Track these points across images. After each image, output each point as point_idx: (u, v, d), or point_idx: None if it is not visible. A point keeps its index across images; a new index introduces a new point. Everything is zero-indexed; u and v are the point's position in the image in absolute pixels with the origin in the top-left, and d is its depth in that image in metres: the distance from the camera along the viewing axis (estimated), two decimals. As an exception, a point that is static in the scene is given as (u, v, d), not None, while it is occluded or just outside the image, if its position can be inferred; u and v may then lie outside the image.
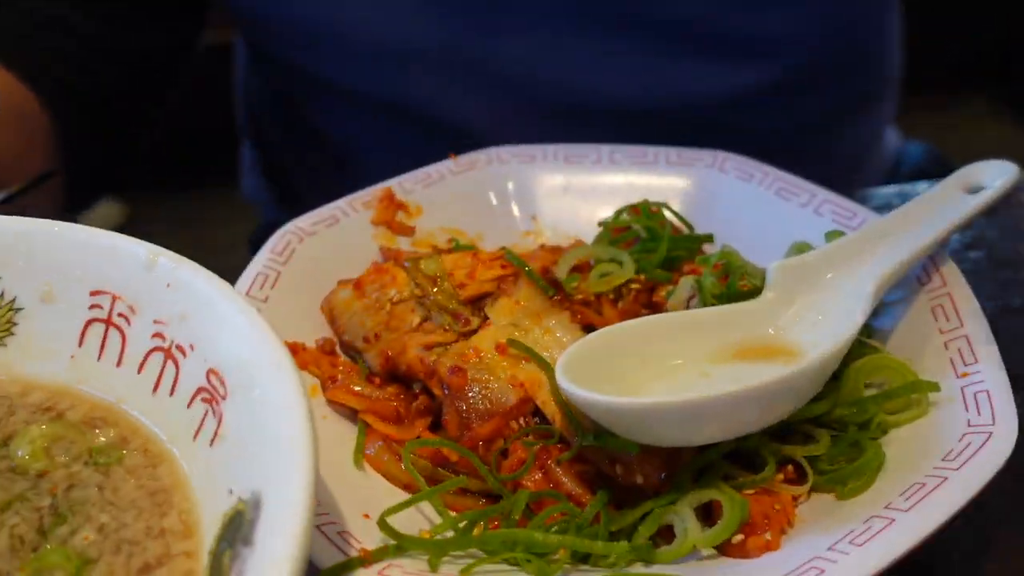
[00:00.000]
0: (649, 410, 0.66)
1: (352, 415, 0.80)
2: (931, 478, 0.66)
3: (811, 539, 0.66)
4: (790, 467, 0.73)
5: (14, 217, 0.66)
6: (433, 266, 0.83)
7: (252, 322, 0.57)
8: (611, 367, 0.72)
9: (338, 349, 0.85)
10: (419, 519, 0.72)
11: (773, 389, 0.68)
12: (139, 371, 0.63)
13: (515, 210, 0.99)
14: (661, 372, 0.73)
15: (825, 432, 0.74)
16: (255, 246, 0.87)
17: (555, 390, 0.73)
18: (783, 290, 0.78)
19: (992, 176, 0.85)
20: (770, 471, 0.71)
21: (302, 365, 0.81)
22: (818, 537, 0.66)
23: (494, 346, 0.76)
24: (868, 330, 0.82)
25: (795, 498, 0.72)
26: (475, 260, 0.85)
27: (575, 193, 1.00)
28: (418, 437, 0.76)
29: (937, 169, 1.56)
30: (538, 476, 0.71)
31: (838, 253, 0.81)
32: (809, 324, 0.77)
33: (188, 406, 0.60)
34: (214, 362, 0.58)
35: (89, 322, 0.65)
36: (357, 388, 0.79)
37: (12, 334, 0.66)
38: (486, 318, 0.79)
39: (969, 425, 0.70)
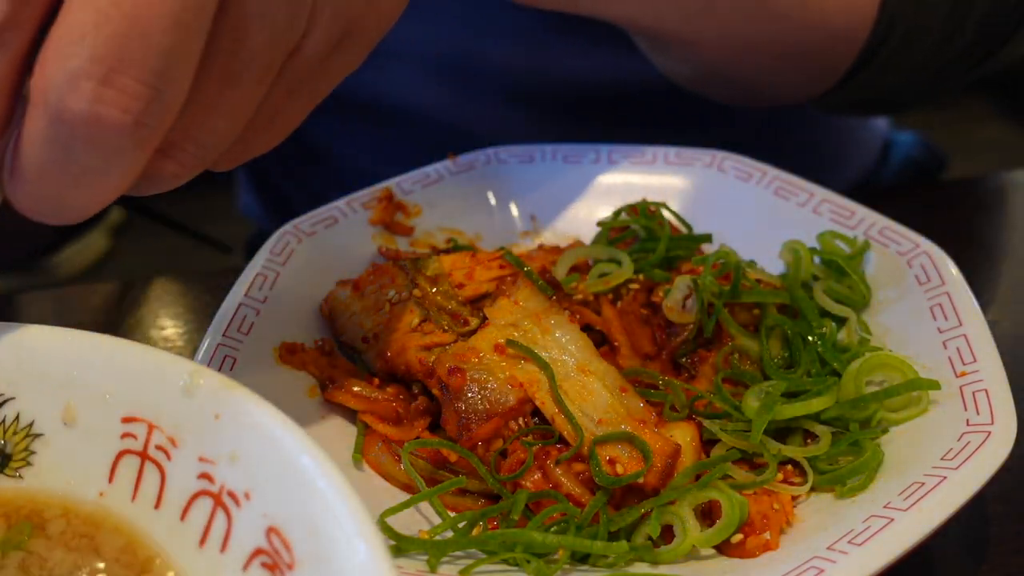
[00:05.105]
0: None
1: (351, 415, 0.80)
2: (930, 477, 0.66)
3: (810, 539, 0.66)
4: (789, 466, 0.73)
5: (19, 325, 0.55)
6: (432, 266, 0.83)
7: (323, 471, 0.47)
8: None
9: (337, 350, 0.85)
10: (418, 519, 0.72)
11: None
12: (182, 518, 0.52)
13: (514, 210, 0.99)
14: None
15: (826, 430, 0.74)
16: (251, 251, 0.87)
17: (554, 390, 0.73)
18: None
19: None
20: (771, 474, 0.71)
21: (301, 365, 0.81)
22: (817, 537, 0.66)
23: (493, 346, 0.76)
24: (867, 328, 0.82)
25: (794, 497, 0.72)
26: (474, 260, 0.85)
27: (574, 193, 1.00)
28: (417, 437, 0.76)
29: (929, 160, 1.55)
30: (537, 476, 0.71)
31: None
32: None
33: (244, 568, 0.49)
34: (275, 519, 0.48)
35: (121, 453, 0.54)
36: (356, 389, 0.79)
37: (29, 464, 0.55)
38: (485, 318, 0.79)
39: (968, 424, 0.69)
